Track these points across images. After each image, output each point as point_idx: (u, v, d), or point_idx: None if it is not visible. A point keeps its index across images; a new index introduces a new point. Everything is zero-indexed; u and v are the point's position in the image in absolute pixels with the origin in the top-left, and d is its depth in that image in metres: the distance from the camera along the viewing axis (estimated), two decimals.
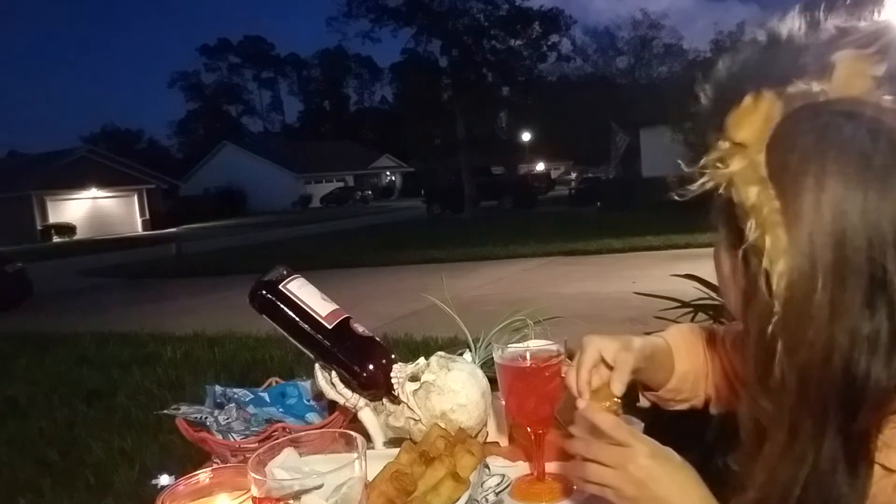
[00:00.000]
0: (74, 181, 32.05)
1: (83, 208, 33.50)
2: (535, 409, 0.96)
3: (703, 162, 0.64)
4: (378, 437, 1.08)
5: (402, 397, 1.04)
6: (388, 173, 52.84)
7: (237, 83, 76.89)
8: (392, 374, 1.03)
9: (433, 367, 1.08)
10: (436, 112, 30.84)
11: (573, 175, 42.69)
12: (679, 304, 2.58)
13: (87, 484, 3.63)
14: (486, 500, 0.94)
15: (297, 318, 1.02)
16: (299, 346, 1.04)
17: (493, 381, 1.07)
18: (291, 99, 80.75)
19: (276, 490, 0.68)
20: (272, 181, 44.02)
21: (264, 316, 1.05)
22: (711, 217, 0.69)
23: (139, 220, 35.29)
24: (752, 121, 0.61)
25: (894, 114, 0.59)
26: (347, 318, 1.04)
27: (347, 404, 1.07)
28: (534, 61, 33.29)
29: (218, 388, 1.19)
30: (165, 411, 1.10)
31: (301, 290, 1.04)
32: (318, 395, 1.15)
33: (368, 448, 0.85)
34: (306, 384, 1.22)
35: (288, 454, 0.76)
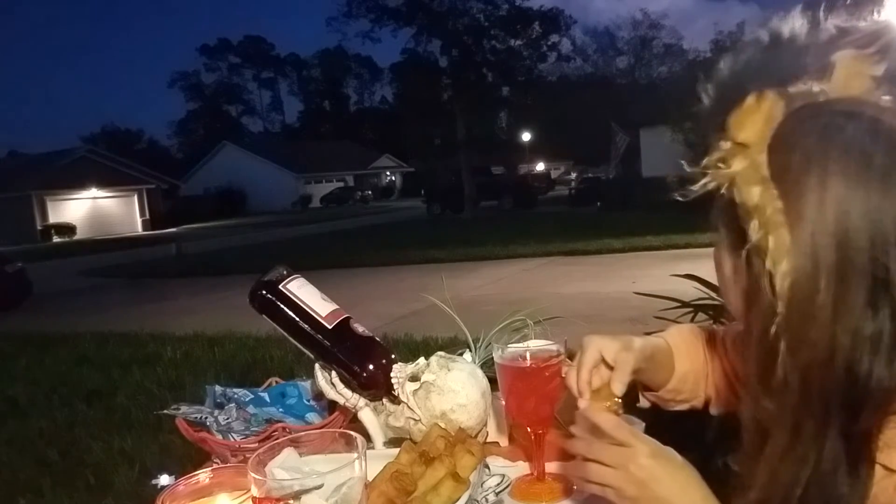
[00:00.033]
0: (74, 181, 32.05)
1: (83, 208, 33.49)
2: (535, 409, 0.96)
3: (704, 162, 0.64)
4: (378, 437, 1.08)
5: (402, 397, 1.04)
6: (388, 173, 52.84)
7: (237, 83, 76.99)
8: (392, 374, 1.03)
9: (433, 367, 1.08)
10: (436, 112, 30.84)
11: (573, 175, 42.68)
12: (679, 304, 2.58)
13: (87, 484, 3.63)
14: (486, 500, 0.94)
15: (297, 318, 1.02)
16: (299, 346, 1.04)
17: (493, 381, 1.07)
18: (291, 99, 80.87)
19: (276, 490, 0.68)
20: (272, 181, 44.02)
21: (264, 316, 1.05)
22: (712, 218, 0.69)
23: (139, 220, 35.28)
24: (754, 121, 0.61)
25: (894, 113, 0.59)
26: (347, 318, 1.04)
27: (347, 404, 1.07)
28: (534, 61, 33.29)
29: (218, 388, 1.19)
30: (165, 411, 1.10)
31: (301, 290, 1.04)
32: (318, 395, 1.15)
33: (368, 448, 0.85)
34: (306, 384, 1.22)
35: (288, 454, 0.76)
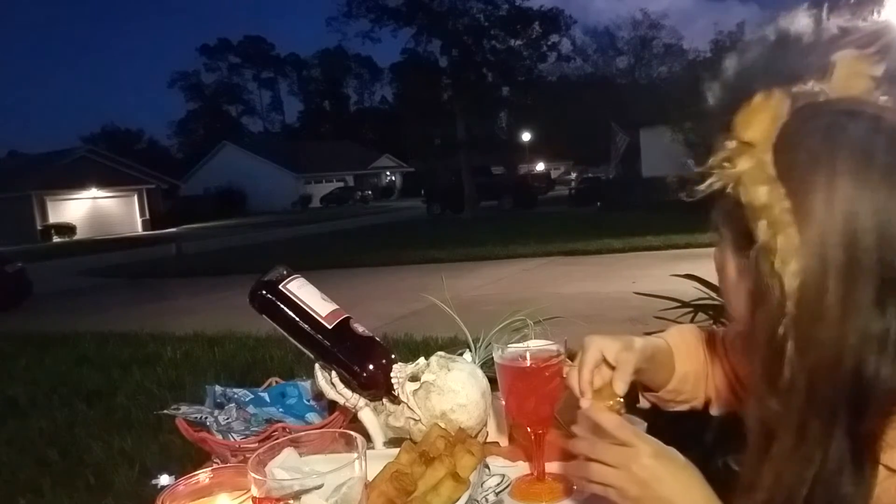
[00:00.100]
0: (74, 181, 32.05)
1: (83, 208, 33.50)
2: (535, 409, 0.96)
3: (710, 162, 0.64)
4: (378, 437, 1.08)
5: (402, 397, 1.04)
6: (388, 173, 52.84)
7: (237, 83, 76.98)
8: (392, 374, 1.03)
9: (433, 367, 1.08)
10: (436, 112, 30.84)
11: (573, 175, 42.69)
12: (679, 304, 2.58)
13: (87, 484, 3.63)
14: (486, 500, 0.94)
15: (297, 318, 1.02)
16: (299, 346, 1.04)
17: (493, 381, 1.07)
18: (291, 99, 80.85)
19: (276, 490, 0.68)
20: (272, 181, 44.03)
21: (264, 316, 1.04)
22: (715, 218, 0.69)
23: (139, 220, 35.28)
24: (761, 119, 0.61)
25: (895, 112, 0.59)
26: (347, 318, 1.04)
27: (347, 404, 1.07)
28: (534, 61, 33.29)
29: (218, 388, 1.19)
30: (165, 411, 1.10)
31: (301, 290, 1.04)
32: (318, 395, 1.14)
33: (368, 448, 0.85)
34: (306, 384, 1.22)
35: (288, 454, 0.76)
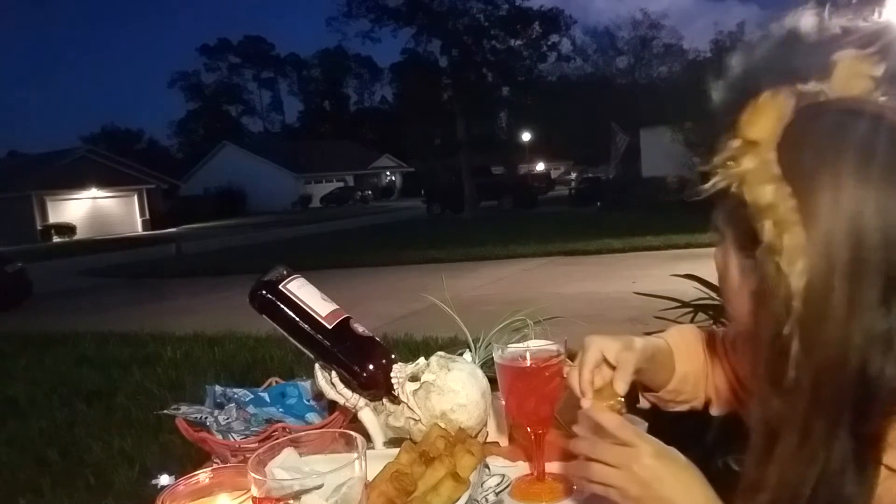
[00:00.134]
0: (74, 181, 32.05)
1: (83, 208, 33.50)
2: (535, 409, 0.96)
3: (714, 161, 0.64)
4: (378, 437, 1.08)
5: (402, 397, 1.04)
6: (388, 173, 52.84)
7: (237, 83, 76.95)
8: (392, 374, 1.03)
9: (433, 367, 1.08)
10: (436, 112, 30.86)
11: (573, 175, 42.68)
12: (679, 304, 2.58)
13: (87, 484, 3.63)
14: (486, 500, 0.94)
15: (297, 318, 1.02)
16: (299, 346, 1.04)
17: (493, 381, 1.07)
18: (291, 99, 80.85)
19: (276, 490, 0.68)
20: (272, 181, 44.03)
21: (264, 316, 1.04)
22: (717, 218, 0.68)
23: (139, 220, 35.29)
24: (766, 118, 0.61)
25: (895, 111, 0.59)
26: (347, 318, 1.04)
27: (347, 404, 1.07)
28: (534, 61, 33.32)
29: (218, 388, 1.19)
30: (165, 411, 1.10)
31: (301, 290, 1.04)
32: (318, 395, 1.14)
33: (368, 448, 0.85)
34: (306, 384, 1.22)
35: (288, 454, 0.76)
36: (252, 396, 1.20)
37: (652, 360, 0.91)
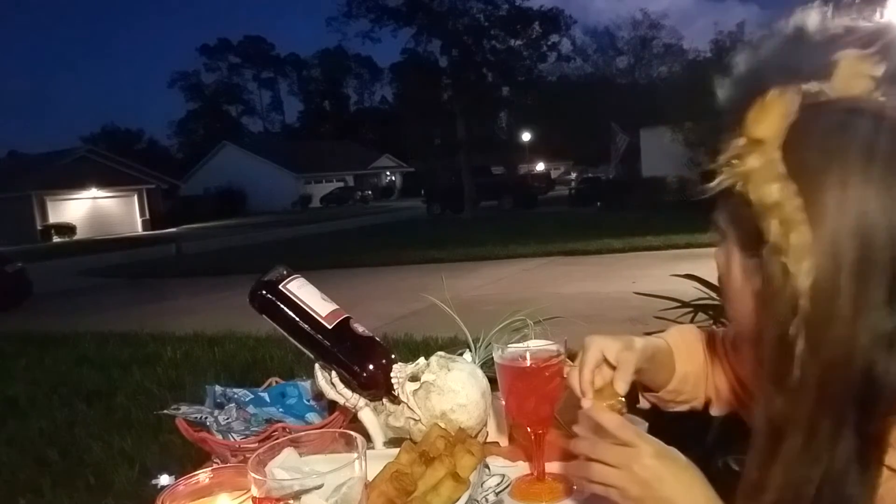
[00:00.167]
0: (74, 181, 32.05)
1: (83, 208, 33.50)
2: (535, 409, 0.96)
3: (719, 159, 0.63)
4: (378, 437, 1.08)
5: (402, 397, 1.04)
6: (388, 173, 52.84)
7: (237, 83, 76.93)
8: (392, 374, 1.03)
9: (433, 367, 1.08)
10: (436, 112, 30.88)
11: (573, 175, 42.71)
12: (679, 304, 2.58)
13: (87, 484, 3.63)
14: (486, 500, 0.94)
15: (297, 318, 1.02)
16: (299, 346, 1.04)
17: (493, 381, 1.07)
18: (291, 99, 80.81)
19: (276, 490, 0.68)
20: (272, 181, 44.03)
21: (264, 316, 1.04)
22: (720, 217, 0.68)
23: (139, 220, 35.29)
24: (772, 117, 0.60)
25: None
26: (347, 318, 1.04)
27: (347, 404, 1.07)
28: (534, 61, 33.34)
29: (218, 388, 1.19)
30: (165, 411, 1.10)
31: (301, 290, 1.04)
32: (318, 395, 1.14)
33: (368, 448, 0.85)
34: (306, 384, 1.22)
35: (288, 454, 0.76)
36: (252, 396, 1.20)
37: (652, 360, 0.91)
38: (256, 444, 0.99)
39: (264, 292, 1.03)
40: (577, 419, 0.79)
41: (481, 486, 0.95)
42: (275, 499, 0.68)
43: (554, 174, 43.52)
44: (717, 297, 2.20)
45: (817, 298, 0.57)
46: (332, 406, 1.13)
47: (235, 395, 1.19)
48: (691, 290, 2.56)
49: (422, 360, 1.11)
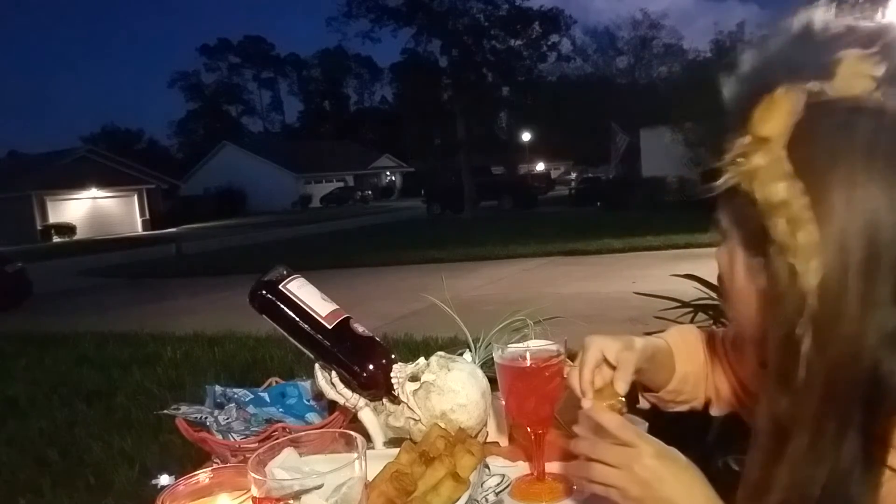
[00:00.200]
0: (74, 181, 32.05)
1: (83, 208, 33.50)
2: (535, 409, 0.96)
3: (725, 158, 0.63)
4: (378, 437, 1.08)
5: (402, 397, 1.04)
6: (388, 173, 52.84)
7: (237, 83, 76.93)
8: (392, 374, 1.03)
9: (433, 367, 1.08)
10: (436, 112, 30.93)
11: (573, 175, 42.70)
12: (679, 304, 2.58)
13: (87, 484, 3.63)
14: (486, 500, 0.93)
15: (297, 318, 1.02)
16: (299, 346, 1.04)
17: (493, 381, 1.07)
18: (291, 99, 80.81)
19: (276, 490, 0.68)
20: (272, 181, 44.03)
21: (264, 316, 1.04)
22: (722, 216, 0.68)
23: (139, 220, 35.29)
24: (779, 115, 0.60)
25: None
26: (347, 318, 1.04)
27: (347, 404, 1.07)
28: (534, 61, 33.39)
29: (218, 388, 1.19)
30: (165, 411, 1.10)
31: (301, 290, 1.04)
32: (318, 395, 1.14)
33: (368, 448, 0.85)
34: (306, 384, 1.22)
35: (288, 454, 0.76)
36: (252, 396, 1.20)
37: (652, 360, 0.91)
38: (256, 444, 0.99)
39: (264, 292, 1.03)
40: (577, 419, 0.79)
41: (481, 486, 0.95)
42: (275, 499, 0.68)
43: (554, 174, 43.53)
44: (717, 298, 2.20)
45: (825, 297, 0.57)
46: (332, 406, 1.13)
47: (235, 395, 1.19)
48: (691, 290, 2.56)
49: (422, 360, 1.11)
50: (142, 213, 35.56)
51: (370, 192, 46.60)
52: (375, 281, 10.89)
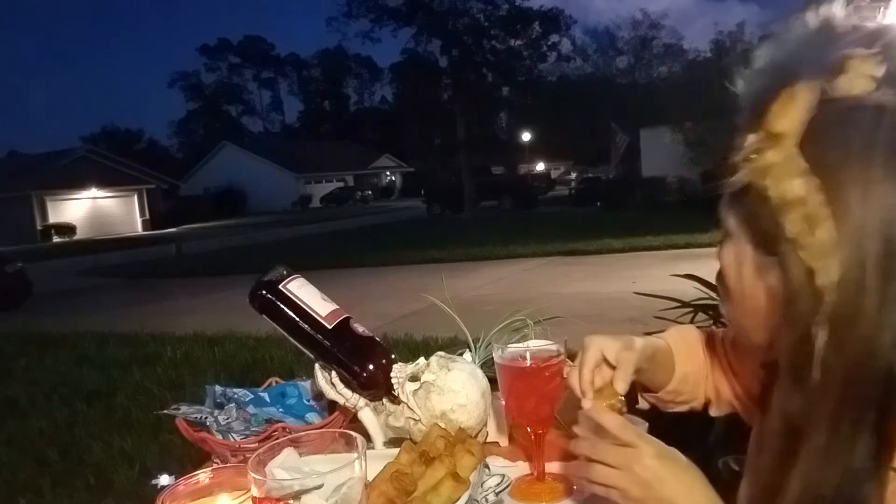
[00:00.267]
0: (74, 181, 32.04)
1: (83, 208, 33.49)
2: (535, 409, 0.96)
3: (742, 154, 0.62)
4: (378, 437, 1.08)
5: (402, 397, 1.04)
6: (388, 173, 52.84)
7: (237, 83, 76.93)
8: (392, 374, 1.03)
9: (433, 367, 1.08)
10: (436, 112, 30.90)
11: (573, 175, 42.70)
12: (679, 304, 2.58)
13: (87, 484, 3.63)
14: (486, 500, 0.93)
15: (297, 318, 1.02)
16: (299, 346, 1.04)
17: (493, 381, 1.07)
18: (291, 99, 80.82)
19: (276, 490, 0.68)
20: (272, 181, 44.02)
21: (264, 316, 1.04)
22: (728, 215, 0.67)
23: (139, 220, 35.28)
24: (795, 110, 0.59)
25: None
26: (347, 318, 1.04)
27: (347, 404, 1.07)
28: (534, 61, 33.37)
29: (218, 388, 1.19)
30: (165, 411, 1.10)
31: (301, 290, 1.04)
32: (318, 395, 1.14)
33: (368, 448, 0.85)
34: (306, 384, 1.22)
35: (288, 454, 0.76)
36: (252, 396, 1.20)
37: (652, 359, 0.91)
38: (256, 444, 0.99)
39: (264, 292, 1.03)
40: (577, 419, 0.79)
41: (481, 486, 0.95)
42: (275, 499, 0.68)
43: (554, 174, 43.52)
44: (717, 298, 2.20)
45: (843, 295, 0.56)
46: (332, 406, 1.13)
47: (235, 395, 1.19)
48: (691, 290, 2.56)
49: (422, 360, 1.11)
50: (142, 213, 35.55)
51: (370, 192, 46.59)
52: (375, 281, 10.89)
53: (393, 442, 1.07)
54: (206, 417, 1.09)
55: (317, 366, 1.06)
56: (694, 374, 0.99)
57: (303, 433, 0.87)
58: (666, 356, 0.96)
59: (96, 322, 8.57)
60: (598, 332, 0.88)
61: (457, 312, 1.42)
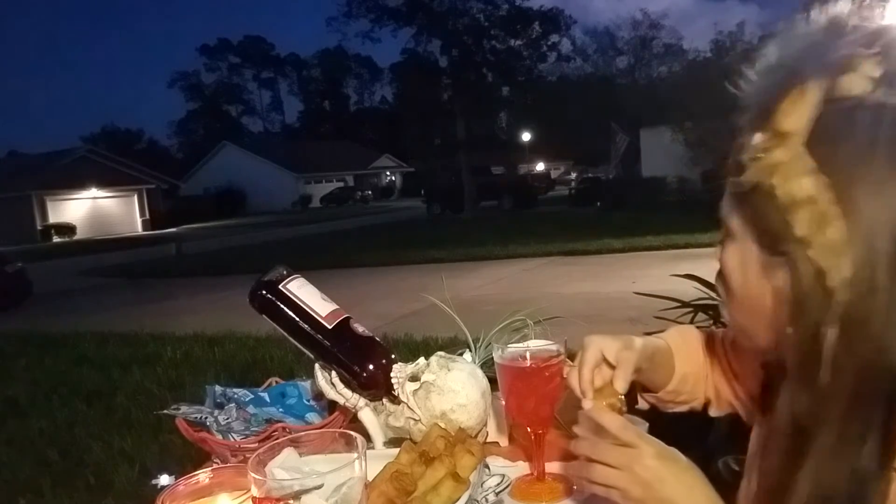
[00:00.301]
0: (74, 181, 32.05)
1: (83, 208, 33.49)
2: (535, 409, 0.96)
3: (748, 153, 0.61)
4: (378, 437, 1.08)
5: (402, 397, 1.04)
6: (388, 173, 52.84)
7: (237, 83, 76.97)
8: (392, 374, 1.03)
9: (433, 367, 1.08)
10: (436, 112, 30.93)
11: (573, 175, 42.73)
12: (679, 304, 2.58)
13: (87, 484, 3.63)
14: (486, 500, 0.93)
15: (297, 318, 1.02)
16: (299, 346, 1.04)
17: (493, 381, 1.07)
18: (291, 99, 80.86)
19: (276, 490, 0.68)
20: (272, 181, 44.03)
21: (264, 316, 1.04)
22: (731, 215, 0.66)
23: (139, 220, 35.29)
24: (801, 110, 0.59)
25: None
26: (347, 318, 1.04)
27: (347, 404, 1.07)
28: (534, 61, 33.37)
29: (218, 388, 1.19)
30: (165, 411, 1.10)
31: (301, 290, 1.04)
32: (318, 395, 1.14)
33: (368, 448, 0.85)
34: (306, 384, 1.22)
35: (288, 454, 0.76)
36: (252, 396, 1.20)
37: (652, 359, 0.91)
38: (256, 444, 0.99)
39: (264, 292, 1.03)
40: (577, 419, 0.79)
41: (481, 486, 0.95)
42: (275, 499, 0.68)
43: (554, 174, 43.52)
44: (717, 298, 2.20)
45: (855, 295, 0.56)
46: (332, 406, 1.13)
47: (235, 395, 1.19)
48: (691, 290, 2.56)
49: (422, 360, 1.11)
50: (142, 213, 35.55)
51: (370, 192, 46.60)
52: (375, 281, 10.89)
53: (393, 442, 1.07)
54: (206, 417, 1.09)
55: (317, 366, 1.06)
56: (694, 375, 0.99)
57: (303, 433, 0.87)
58: (666, 356, 0.96)
59: (96, 322, 8.56)
60: (598, 331, 0.88)
61: (457, 312, 1.42)
